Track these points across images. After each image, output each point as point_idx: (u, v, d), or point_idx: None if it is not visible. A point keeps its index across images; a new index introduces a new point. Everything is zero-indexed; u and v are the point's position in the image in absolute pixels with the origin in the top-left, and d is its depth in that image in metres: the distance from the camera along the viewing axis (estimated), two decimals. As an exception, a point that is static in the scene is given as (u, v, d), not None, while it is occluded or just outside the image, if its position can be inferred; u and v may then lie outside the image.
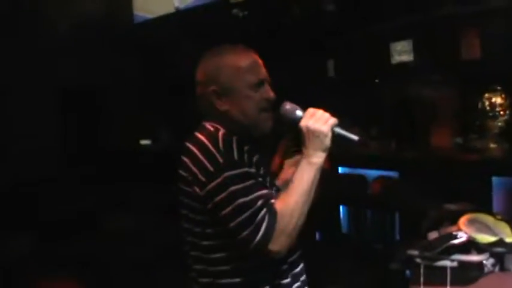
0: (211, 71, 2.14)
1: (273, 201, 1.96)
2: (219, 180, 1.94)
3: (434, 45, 5.88)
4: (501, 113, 6.18)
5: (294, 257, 2.18)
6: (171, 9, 7.28)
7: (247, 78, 2.10)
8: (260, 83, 2.12)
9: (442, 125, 6.23)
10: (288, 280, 2.12)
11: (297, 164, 2.10)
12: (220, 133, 2.04)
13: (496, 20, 5.49)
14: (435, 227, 3.70)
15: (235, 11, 7.02)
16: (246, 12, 7.03)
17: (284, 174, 2.34)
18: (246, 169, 1.97)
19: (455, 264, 3.35)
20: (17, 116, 7.42)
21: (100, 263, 5.79)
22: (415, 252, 3.49)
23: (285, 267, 2.11)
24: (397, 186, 5.18)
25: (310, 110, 2.06)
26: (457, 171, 4.98)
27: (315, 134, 2.00)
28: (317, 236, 6.03)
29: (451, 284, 3.34)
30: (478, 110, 6.26)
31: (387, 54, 6.17)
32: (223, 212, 1.94)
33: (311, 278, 2.37)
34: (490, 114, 6.18)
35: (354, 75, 6.50)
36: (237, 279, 2.06)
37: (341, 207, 5.94)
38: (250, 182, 1.96)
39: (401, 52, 6.09)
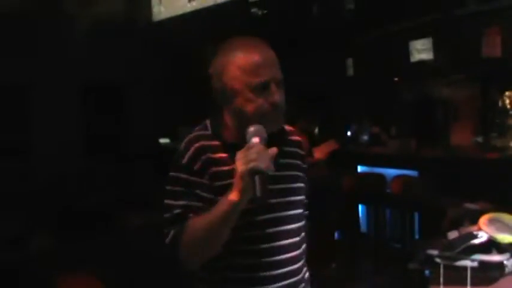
0: (218, 67, 1.95)
1: (191, 215, 1.89)
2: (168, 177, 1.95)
3: (454, 43, 5.86)
4: (522, 112, 6.15)
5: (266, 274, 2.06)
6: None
7: (250, 80, 1.89)
8: (265, 86, 1.89)
9: (462, 123, 6.20)
10: None
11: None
12: (192, 135, 1.96)
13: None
14: (455, 226, 3.67)
15: (254, 10, 7.02)
16: (265, 11, 7.03)
17: None
18: (185, 176, 1.90)
19: (475, 264, 3.30)
20: (40, 112, 7.51)
21: (119, 259, 5.82)
22: (435, 252, 3.45)
23: (245, 275, 1.98)
24: (416, 185, 5.15)
25: (252, 142, 1.82)
26: (477, 170, 4.94)
27: (235, 169, 1.79)
28: (336, 235, 6.01)
29: (472, 285, 3.30)
30: (498, 108, 6.24)
31: (407, 53, 6.17)
32: None
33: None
34: (511, 112, 6.16)
35: (373, 74, 6.48)
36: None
37: (360, 206, 5.92)
38: (182, 188, 1.91)
39: (421, 50, 6.08)
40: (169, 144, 8.31)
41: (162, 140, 8.30)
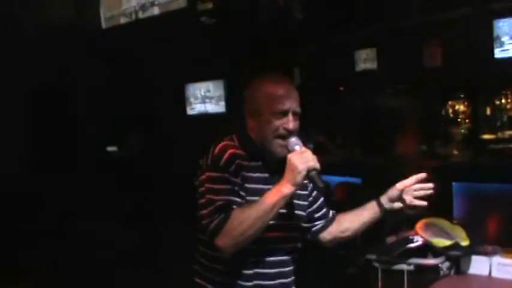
0: (250, 92, 2.42)
1: (234, 207, 2.22)
2: (203, 176, 2.32)
3: (397, 54, 5.97)
4: (465, 120, 6.30)
5: (265, 270, 2.41)
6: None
7: (272, 106, 2.33)
8: (283, 113, 2.34)
9: (407, 132, 6.31)
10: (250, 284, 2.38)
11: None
12: (224, 143, 2.36)
13: (457, 29, 5.61)
14: (394, 231, 3.75)
15: (203, 18, 7.04)
16: (214, 20, 7.06)
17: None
18: (225, 175, 2.27)
19: (411, 267, 3.40)
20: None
21: (64, 268, 5.78)
22: (373, 257, 3.53)
23: (249, 272, 2.37)
24: (358, 191, 5.22)
25: (302, 149, 2.29)
26: (418, 177, 5.02)
27: (291, 167, 2.20)
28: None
29: (408, 288, 3.39)
30: (442, 117, 6.38)
31: (352, 62, 6.26)
32: (200, 201, 2.31)
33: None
34: (454, 121, 6.31)
35: (319, 83, 6.56)
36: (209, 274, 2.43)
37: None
38: (222, 185, 2.26)
39: (366, 60, 6.18)
40: (117, 152, 8.26)
41: (110, 148, 8.24)
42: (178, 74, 7.69)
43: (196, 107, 8.27)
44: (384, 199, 2.56)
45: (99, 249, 6.10)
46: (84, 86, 8.10)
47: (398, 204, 2.54)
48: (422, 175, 2.54)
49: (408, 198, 2.52)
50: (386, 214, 2.58)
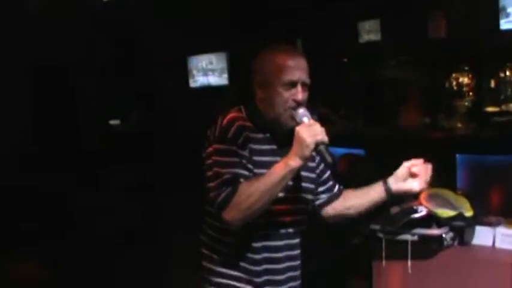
0: (259, 63, 2.38)
1: (241, 180, 2.19)
2: (210, 148, 2.29)
3: (401, 25, 5.94)
4: (469, 93, 6.28)
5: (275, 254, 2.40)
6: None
7: (282, 77, 2.29)
8: (292, 84, 2.29)
9: (410, 104, 6.30)
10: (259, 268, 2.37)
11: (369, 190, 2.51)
12: (232, 115, 2.33)
13: (462, 0, 5.57)
14: (398, 201, 3.74)
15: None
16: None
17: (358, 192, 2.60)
18: (232, 148, 2.24)
19: (415, 238, 3.39)
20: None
21: (68, 242, 5.80)
22: (377, 227, 3.53)
23: (258, 257, 2.36)
24: (361, 162, 5.21)
25: (310, 122, 2.23)
26: (421, 148, 5.02)
27: (299, 140, 2.14)
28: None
29: (412, 258, 3.39)
30: (446, 89, 6.36)
31: (355, 34, 6.23)
32: (207, 174, 2.29)
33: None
34: (457, 94, 6.29)
35: (322, 54, 6.51)
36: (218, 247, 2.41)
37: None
38: (229, 158, 2.23)
39: (369, 31, 6.14)
40: (119, 126, 8.26)
41: (113, 121, 8.24)
42: (180, 47, 7.65)
43: (198, 80, 8.27)
44: (390, 180, 2.45)
45: (101, 222, 6.12)
46: (85, 60, 8.08)
47: (404, 185, 2.42)
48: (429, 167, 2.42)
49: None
50: (392, 196, 2.50)
